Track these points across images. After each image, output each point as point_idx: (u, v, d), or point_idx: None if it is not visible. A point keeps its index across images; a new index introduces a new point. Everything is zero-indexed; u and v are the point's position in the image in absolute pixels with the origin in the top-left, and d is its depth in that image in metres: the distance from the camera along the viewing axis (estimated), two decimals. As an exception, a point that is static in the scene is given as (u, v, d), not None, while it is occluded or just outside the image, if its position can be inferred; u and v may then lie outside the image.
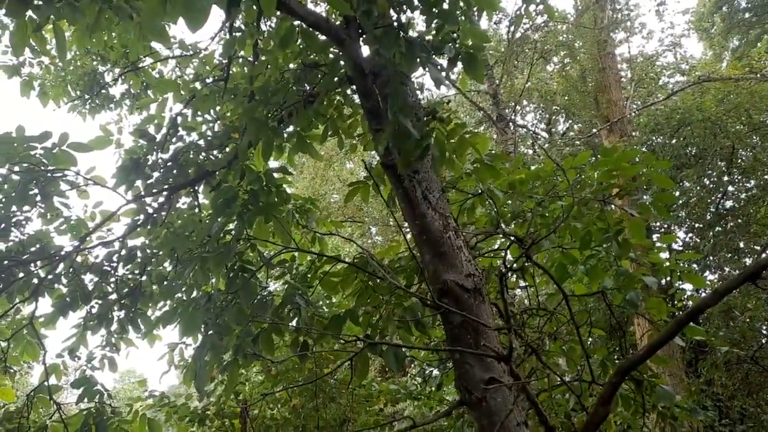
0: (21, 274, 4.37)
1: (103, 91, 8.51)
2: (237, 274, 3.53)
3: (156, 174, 4.77)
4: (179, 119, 4.96)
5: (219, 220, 3.67)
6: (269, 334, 3.20)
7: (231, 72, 5.10)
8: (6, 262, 4.44)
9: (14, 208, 4.53)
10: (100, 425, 3.49)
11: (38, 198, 4.47)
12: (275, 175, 4.24)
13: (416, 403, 5.53)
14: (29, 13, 3.77)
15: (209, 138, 4.91)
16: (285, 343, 3.61)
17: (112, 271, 4.75)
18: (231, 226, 4.11)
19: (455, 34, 3.59)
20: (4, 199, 4.31)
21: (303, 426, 5.12)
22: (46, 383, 3.92)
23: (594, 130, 13.07)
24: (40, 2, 3.64)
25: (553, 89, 14.39)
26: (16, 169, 4.43)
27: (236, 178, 4.26)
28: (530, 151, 13.70)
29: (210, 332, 3.30)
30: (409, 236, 3.20)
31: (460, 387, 2.56)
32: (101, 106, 8.64)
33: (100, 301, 4.50)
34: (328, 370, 4.74)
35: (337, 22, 4.06)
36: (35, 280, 4.41)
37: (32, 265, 4.51)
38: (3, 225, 4.37)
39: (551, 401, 3.60)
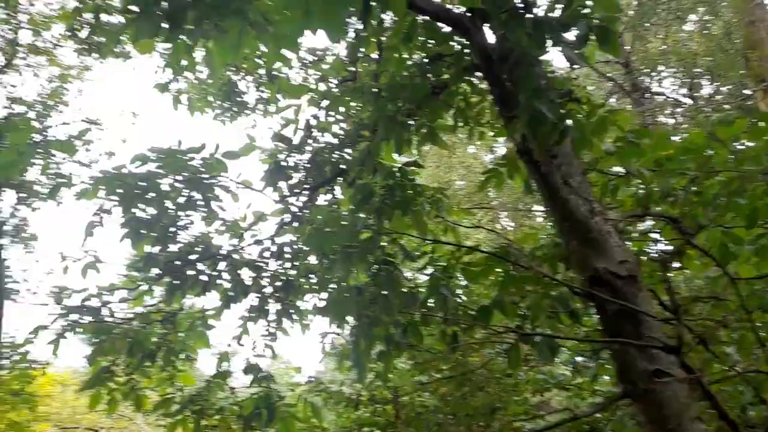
0: (191, 272, 4.93)
1: (239, 99, 9.20)
2: (381, 267, 3.68)
3: (297, 175, 5.12)
4: (313, 121, 5.25)
5: (360, 216, 3.84)
6: (418, 325, 3.32)
7: (357, 71, 5.29)
8: (178, 262, 5.02)
9: (180, 213, 5.09)
10: (270, 408, 3.85)
11: (199, 203, 4.98)
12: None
13: (566, 394, 5.40)
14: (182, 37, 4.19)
15: (342, 137, 5.15)
16: (430, 332, 3.71)
17: (265, 267, 5.17)
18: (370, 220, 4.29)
19: (586, 9, 3.42)
20: (174, 206, 4.86)
21: (453, 414, 5.23)
22: (221, 369, 4.39)
23: (746, 92, 11.69)
24: (191, 27, 4.04)
25: (694, 50, 13.06)
26: (179, 178, 4.97)
27: (369, 174, 4.43)
28: (671, 121, 12.59)
29: (361, 323, 3.49)
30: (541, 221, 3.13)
31: (622, 379, 2.48)
32: (238, 113, 9.36)
33: (258, 295, 4.93)
34: (473, 359, 4.79)
35: (458, 9, 4.04)
36: (203, 277, 4.94)
37: (198, 263, 5.05)
38: (174, 230, 4.93)
39: (724, 394, 3.33)
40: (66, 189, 4.83)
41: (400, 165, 4.19)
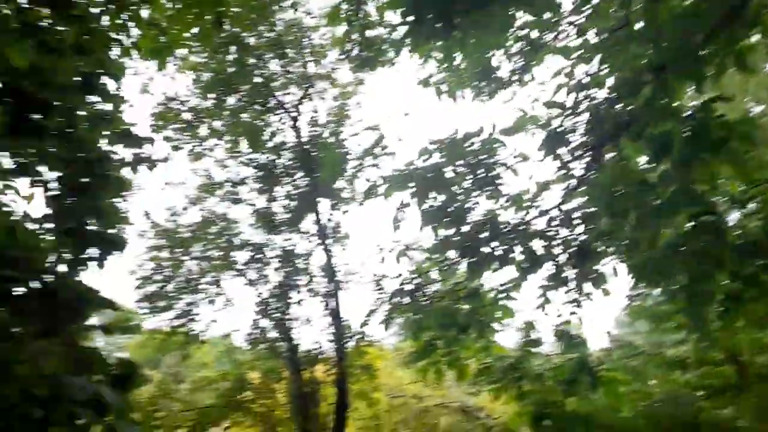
0: (485, 250, 5.19)
1: (493, 75, 9.25)
2: (700, 219, 3.34)
3: (576, 138, 4.96)
4: (586, 79, 5.01)
5: (661, 167, 3.54)
6: (760, 276, 2.91)
7: (628, 12, 4.86)
8: (469, 243, 5.34)
9: (466, 196, 5.39)
10: (590, 372, 3.84)
11: (484, 183, 5.21)
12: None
13: None
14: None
15: (620, 88, 4.81)
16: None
17: (556, 236, 5.14)
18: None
19: None
20: (460, 190, 5.18)
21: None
22: (528, 338, 4.55)
23: None
24: (459, 19, 4.24)
25: None
26: (461, 163, 5.27)
27: (664, 120, 4.02)
28: None
29: (687, 281, 3.22)
30: None
31: None
32: (495, 90, 9.42)
33: (554, 263, 4.94)
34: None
35: None
36: (498, 252, 5.15)
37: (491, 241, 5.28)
38: (464, 212, 5.26)
39: None
40: (373, 191, 5.56)
41: (701, 103, 3.72)
